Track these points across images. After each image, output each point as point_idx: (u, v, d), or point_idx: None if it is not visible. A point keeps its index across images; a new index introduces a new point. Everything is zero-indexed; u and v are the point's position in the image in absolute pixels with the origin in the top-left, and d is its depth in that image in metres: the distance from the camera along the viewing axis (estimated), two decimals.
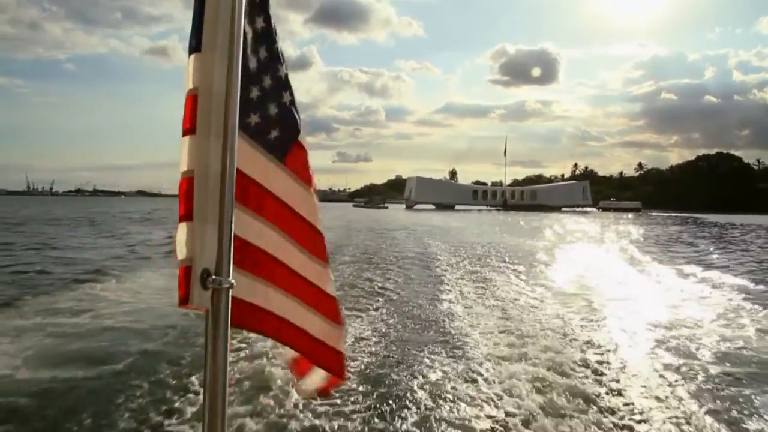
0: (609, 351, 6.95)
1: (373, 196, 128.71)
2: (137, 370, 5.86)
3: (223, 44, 1.24)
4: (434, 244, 23.74)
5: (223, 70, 1.24)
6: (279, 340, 1.57)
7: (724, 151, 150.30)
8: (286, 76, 1.55)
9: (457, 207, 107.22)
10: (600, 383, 5.71)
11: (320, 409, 4.82)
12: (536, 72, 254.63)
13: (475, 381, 5.77)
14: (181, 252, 1.23)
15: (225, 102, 1.24)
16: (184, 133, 1.24)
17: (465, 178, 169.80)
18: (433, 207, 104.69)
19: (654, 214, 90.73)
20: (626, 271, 15.99)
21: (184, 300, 1.23)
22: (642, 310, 9.80)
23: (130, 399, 5.01)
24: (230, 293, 1.25)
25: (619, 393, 5.46)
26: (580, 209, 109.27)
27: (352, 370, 5.99)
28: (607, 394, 5.42)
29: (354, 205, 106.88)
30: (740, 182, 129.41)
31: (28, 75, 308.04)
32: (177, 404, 4.86)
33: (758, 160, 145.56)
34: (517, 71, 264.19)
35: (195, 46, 1.24)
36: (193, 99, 1.24)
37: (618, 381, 5.82)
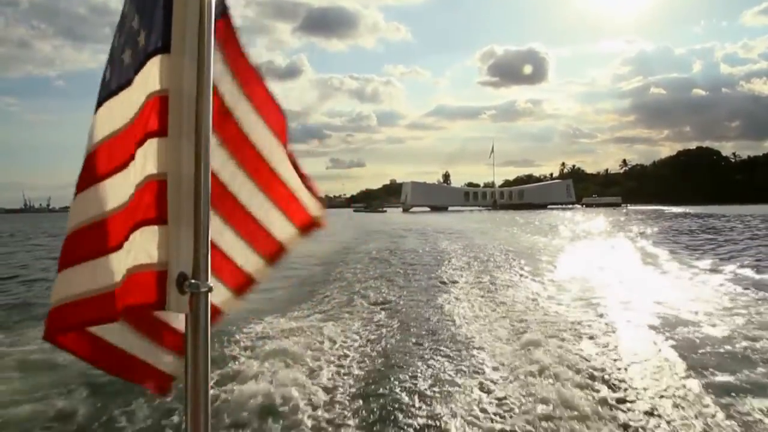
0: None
1: (371, 201, 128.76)
2: (111, 380, 5.17)
3: (192, 45, 1.15)
4: (429, 232, 30.37)
5: (194, 72, 1.16)
6: None
7: (704, 146, 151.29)
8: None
9: (450, 208, 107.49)
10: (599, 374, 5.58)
11: (311, 412, 4.61)
12: (525, 72, 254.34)
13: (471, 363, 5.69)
14: (152, 256, 1.15)
15: (197, 103, 1.16)
16: (152, 135, 1.16)
17: (458, 179, 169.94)
18: (428, 209, 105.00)
19: (630, 207, 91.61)
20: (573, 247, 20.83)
21: (158, 305, 1.15)
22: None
23: (107, 412, 4.63)
24: (209, 297, 1.18)
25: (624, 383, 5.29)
26: (564, 206, 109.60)
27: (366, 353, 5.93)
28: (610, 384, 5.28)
29: (354, 210, 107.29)
30: (718, 175, 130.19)
31: (19, 93, 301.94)
32: (158, 413, 4.52)
33: (734, 154, 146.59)
34: (506, 72, 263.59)
35: (162, 47, 1.15)
36: (162, 101, 1.16)
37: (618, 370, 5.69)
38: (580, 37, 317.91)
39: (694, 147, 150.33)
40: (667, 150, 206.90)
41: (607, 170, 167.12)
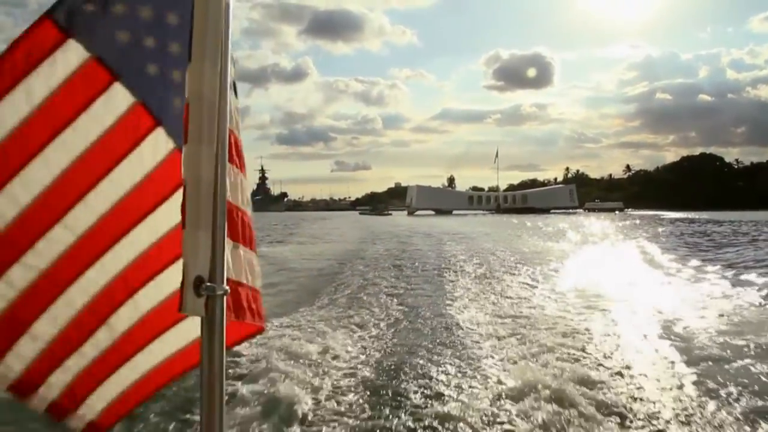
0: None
1: (376, 204, 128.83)
2: None
3: (213, 50, 1.18)
4: (435, 234, 31.38)
5: (215, 77, 1.19)
6: None
7: (710, 151, 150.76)
8: None
9: (454, 212, 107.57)
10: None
11: (324, 413, 4.63)
12: (530, 76, 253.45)
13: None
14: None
15: (216, 110, 1.19)
16: (183, 142, 1.20)
17: (463, 183, 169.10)
18: (433, 212, 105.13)
19: (630, 212, 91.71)
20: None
21: (180, 307, 1.17)
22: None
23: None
24: (225, 300, 1.19)
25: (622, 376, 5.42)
26: (567, 210, 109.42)
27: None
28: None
29: (360, 213, 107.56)
30: (721, 181, 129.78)
31: None
32: (173, 415, 4.50)
33: (737, 160, 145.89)
34: (511, 76, 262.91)
35: (188, 57, 1.19)
36: (186, 108, 1.19)
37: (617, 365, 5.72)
38: (585, 41, 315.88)
39: (699, 153, 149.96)
40: (672, 155, 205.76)
41: (610, 175, 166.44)
